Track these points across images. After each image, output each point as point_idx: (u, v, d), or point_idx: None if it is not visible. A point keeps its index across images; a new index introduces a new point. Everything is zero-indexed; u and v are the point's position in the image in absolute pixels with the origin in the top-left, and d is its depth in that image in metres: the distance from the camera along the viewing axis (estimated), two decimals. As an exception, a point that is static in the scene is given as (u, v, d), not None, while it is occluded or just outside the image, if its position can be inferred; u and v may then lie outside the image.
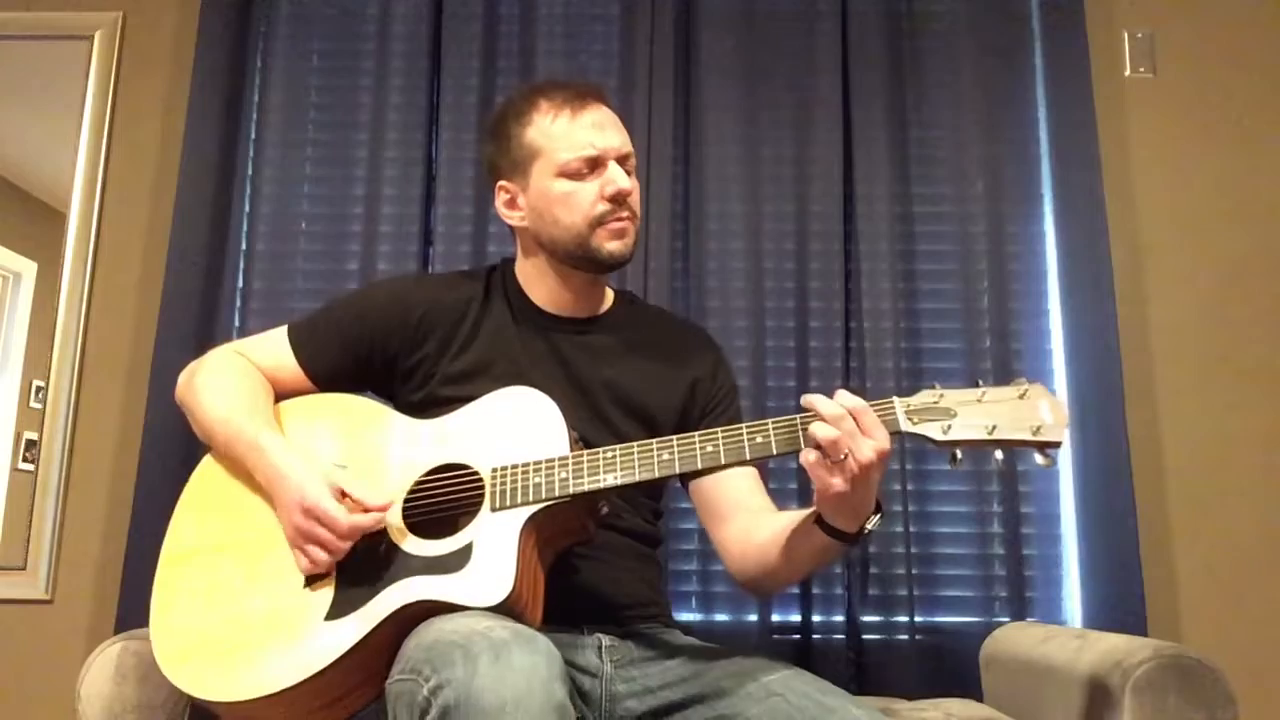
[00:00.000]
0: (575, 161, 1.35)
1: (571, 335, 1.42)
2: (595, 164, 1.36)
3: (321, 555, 1.17)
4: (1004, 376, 2.09)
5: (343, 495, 1.18)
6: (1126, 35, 2.28)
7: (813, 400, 1.10)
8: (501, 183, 1.43)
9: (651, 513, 1.43)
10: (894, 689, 1.90)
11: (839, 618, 2.02)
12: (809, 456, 1.09)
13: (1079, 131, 2.15)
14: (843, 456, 1.07)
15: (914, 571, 2.01)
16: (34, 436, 2.14)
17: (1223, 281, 2.18)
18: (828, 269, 2.12)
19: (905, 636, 1.98)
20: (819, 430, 1.08)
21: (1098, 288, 2.08)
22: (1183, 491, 2.10)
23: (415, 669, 0.98)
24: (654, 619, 1.37)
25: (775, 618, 2.02)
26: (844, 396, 1.10)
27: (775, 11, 2.24)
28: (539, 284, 1.43)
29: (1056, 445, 1.08)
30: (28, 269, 2.22)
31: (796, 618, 2.02)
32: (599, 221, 1.35)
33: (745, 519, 1.37)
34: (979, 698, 1.79)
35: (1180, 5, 2.29)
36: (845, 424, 1.08)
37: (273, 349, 1.41)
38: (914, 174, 2.19)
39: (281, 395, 1.38)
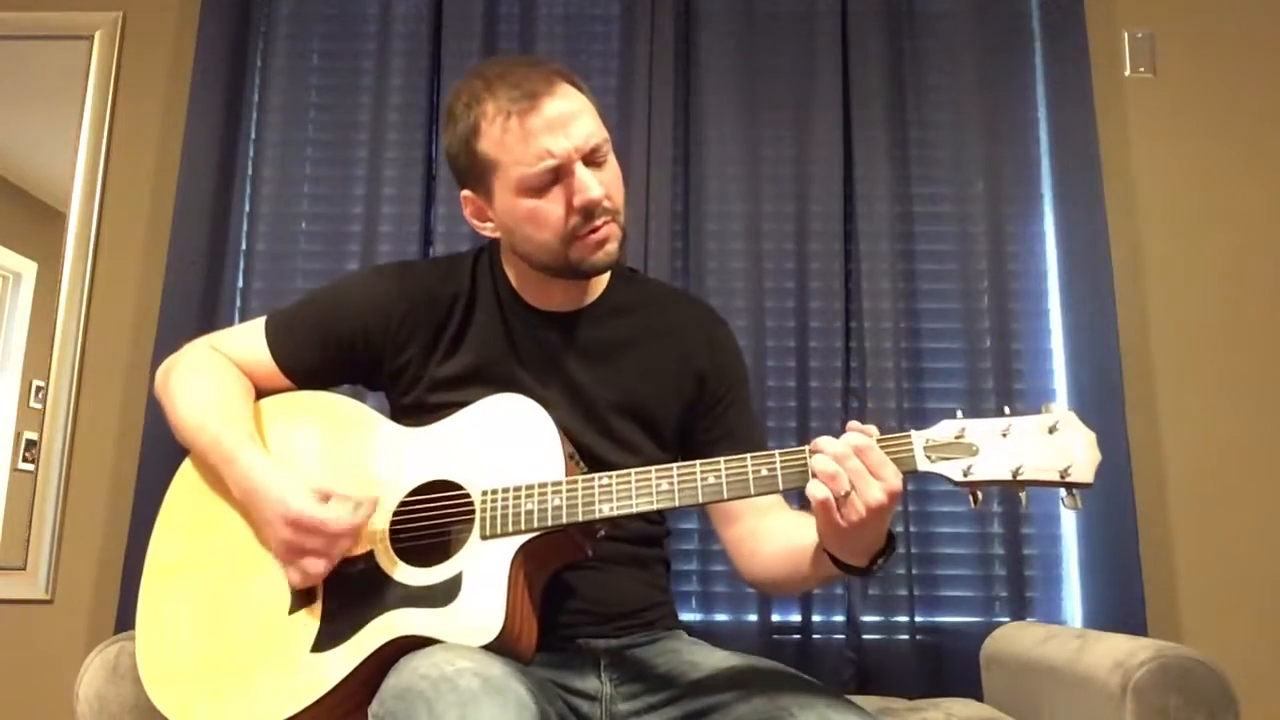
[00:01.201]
0: (534, 176, 1.19)
1: (564, 332, 1.32)
2: (559, 172, 1.20)
3: (316, 565, 1.11)
4: (1004, 377, 2.10)
5: (327, 498, 1.12)
6: (1126, 35, 2.28)
7: (819, 440, 1.03)
8: (465, 192, 1.29)
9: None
10: (894, 689, 1.90)
11: (839, 618, 2.02)
12: (815, 494, 1.01)
13: (1079, 131, 2.15)
14: (844, 493, 1.00)
15: (914, 571, 2.02)
16: (34, 436, 2.14)
17: (1223, 281, 2.18)
18: (828, 269, 2.12)
19: (905, 636, 1.98)
20: (817, 464, 1.02)
21: (1098, 288, 2.08)
22: (1183, 492, 2.10)
23: (383, 717, 0.96)
24: (655, 624, 1.32)
25: (775, 618, 2.02)
26: (852, 435, 1.02)
27: (775, 11, 2.24)
28: (525, 280, 1.33)
29: (1086, 486, 1.00)
30: (28, 269, 2.22)
31: (796, 618, 2.02)
32: (573, 236, 1.22)
33: (753, 519, 1.32)
34: (979, 698, 1.79)
35: (1180, 5, 2.29)
36: (849, 463, 1.00)
37: (249, 343, 1.34)
38: (914, 174, 2.19)
39: (260, 390, 1.32)
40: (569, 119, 1.21)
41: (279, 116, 2.23)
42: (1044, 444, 1.00)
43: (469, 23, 2.23)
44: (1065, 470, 0.99)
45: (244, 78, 2.23)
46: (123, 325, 2.18)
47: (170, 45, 2.29)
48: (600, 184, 1.21)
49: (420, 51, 2.22)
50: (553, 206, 1.21)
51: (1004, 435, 1.02)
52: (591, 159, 1.22)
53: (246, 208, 2.19)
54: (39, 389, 2.16)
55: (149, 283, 2.16)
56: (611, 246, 1.24)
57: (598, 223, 1.22)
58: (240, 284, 2.17)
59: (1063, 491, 1.01)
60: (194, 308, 2.09)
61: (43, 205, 2.23)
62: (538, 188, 1.21)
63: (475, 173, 1.26)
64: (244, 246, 2.18)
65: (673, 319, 1.40)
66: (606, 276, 1.37)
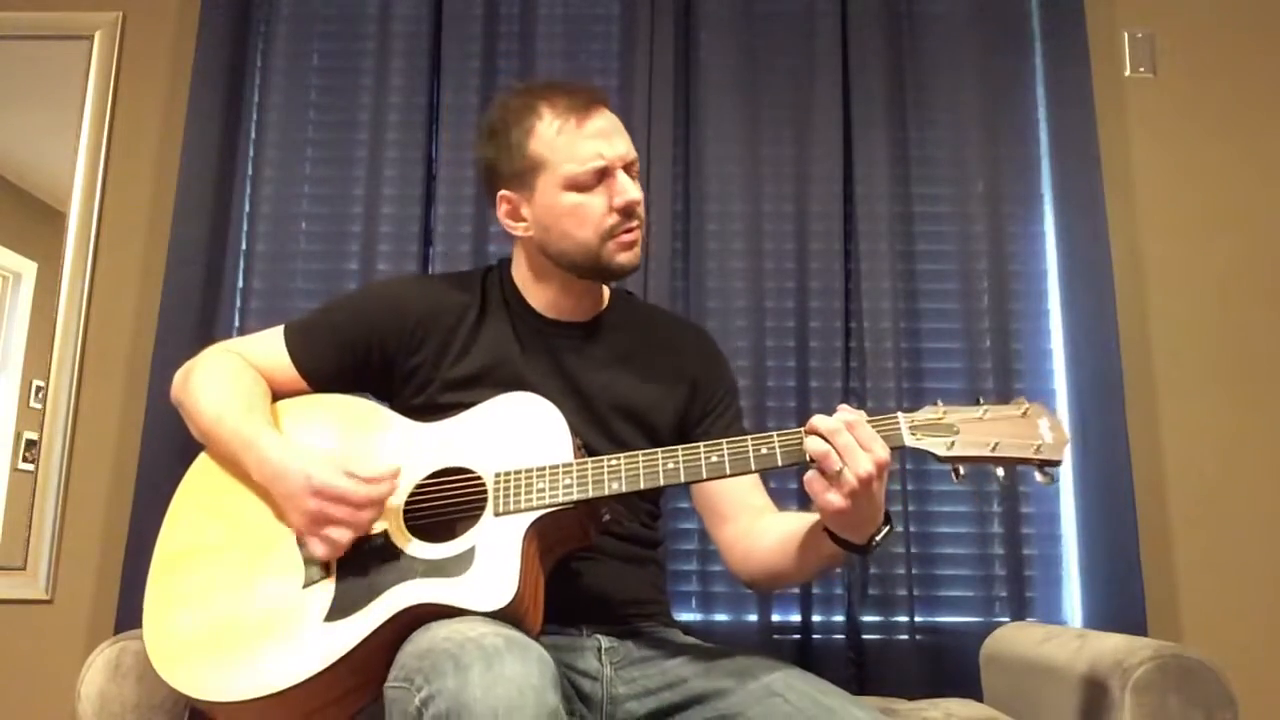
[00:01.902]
0: (584, 174, 1.31)
1: (570, 340, 1.40)
2: (603, 174, 1.32)
3: (342, 534, 1.14)
4: (1005, 377, 2.10)
5: (349, 475, 1.16)
6: (1126, 35, 2.28)
7: (813, 420, 1.10)
8: (503, 192, 1.38)
9: (649, 515, 1.43)
10: (894, 689, 1.90)
11: (839, 618, 2.02)
12: (808, 473, 1.10)
13: (1079, 131, 2.15)
14: (837, 469, 1.07)
15: (914, 571, 2.01)
16: (34, 436, 2.14)
17: (1223, 281, 2.18)
18: (828, 269, 2.12)
19: (905, 636, 1.98)
20: (811, 444, 1.09)
21: (1098, 288, 2.08)
22: (1183, 491, 2.10)
23: (408, 677, 0.98)
24: (652, 618, 1.36)
25: (775, 618, 2.02)
26: (842, 411, 1.11)
27: (775, 11, 2.24)
28: (538, 289, 1.41)
29: (1056, 464, 1.10)
30: (28, 269, 2.22)
31: (796, 618, 2.02)
32: (609, 234, 1.33)
33: (747, 520, 1.37)
34: (979, 698, 1.79)
35: (1180, 5, 2.30)
36: (840, 438, 1.08)
37: (268, 349, 1.39)
38: (914, 174, 2.19)
39: (277, 395, 1.36)
40: (613, 132, 1.35)
41: (279, 116, 2.23)
42: (1017, 426, 1.11)
43: (469, 23, 2.23)
44: (1038, 448, 1.10)
45: (244, 78, 2.23)
46: (123, 325, 2.18)
47: (170, 45, 2.29)
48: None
49: (420, 51, 2.22)
50: (596, 203, 1.33)
51: (981, 419, 1.12)
52: (628, 172, 1.35)
53: (246, 208, 2.19)
54: (39, 389, 2.16)
55: (149, 283, 2.16)
56: (638, 250, 1.36)
57: (632, 224, 1.34)
58: (240, 284, 2.17)
59: (1037, 473, 1.11)
60: (194, 308, 2.09)
61: (43, 205, 2.23)
62: (584, 185, 1.32)
63: (521, 173, 1.35)
64: (244, 246, 2.18)
65: (669, 334, 1.50)
66: (608, 295, 1.47)
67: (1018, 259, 2.17)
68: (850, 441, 1.08)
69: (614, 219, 1.33)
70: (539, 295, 1.42)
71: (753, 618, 2.02)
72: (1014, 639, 1.74)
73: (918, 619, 2.00)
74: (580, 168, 1.31)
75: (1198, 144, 2.24)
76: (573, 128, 1.32)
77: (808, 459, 1.10)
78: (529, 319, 1.41)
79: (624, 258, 1.34)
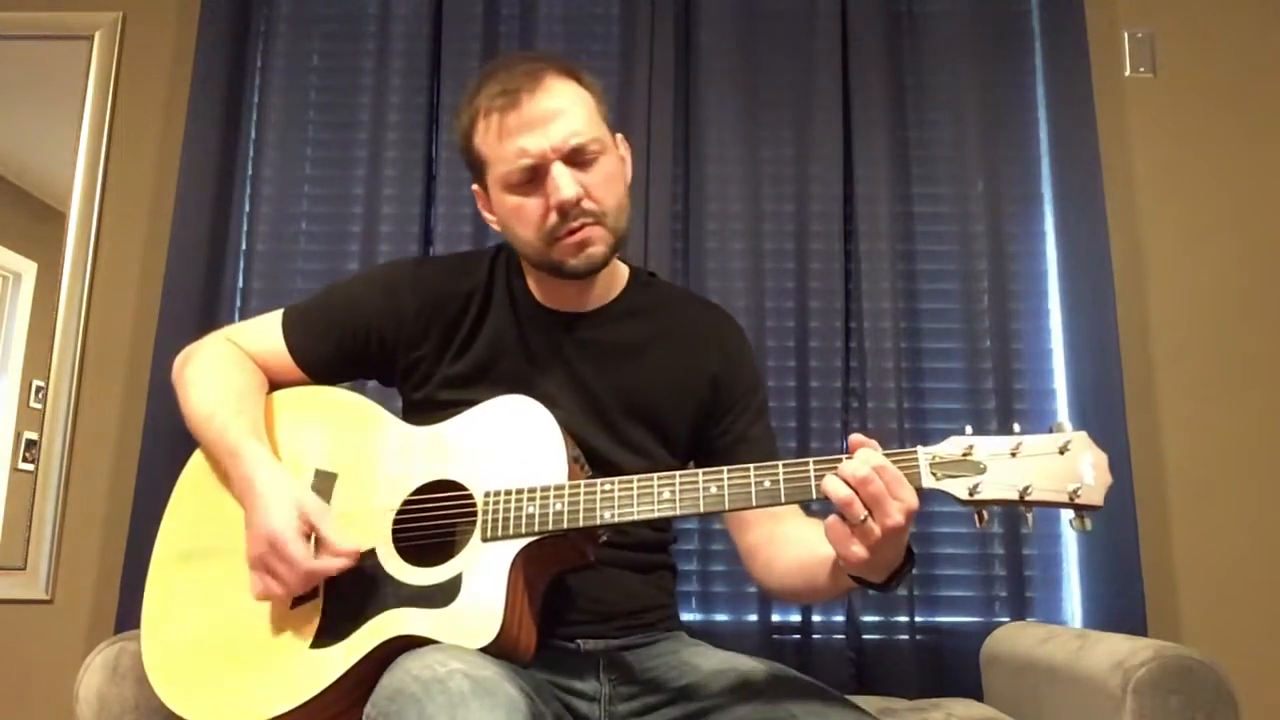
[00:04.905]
0: (514, 174, 1.21)
1: (577, 333, 1.32)
2: (536, 171, 1.21)
3: (275, 588, 1.12)
4: (1005, 377, 2.09)
5: (310, 530, 1.12)
6: (1126, 35, 2.28)
7: (841, 466, 1.00)
8: (475, 186, 1.33)
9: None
10: (894, 689, 1.90)
11: (839, 618, 2.02)
12: (830, 519, 1.01)
13: (1079, 131, 2.15)
14: (861, 519, 0.97)
15: (914, 571, 2.01)
16: (34, 436, 2.14)
17: (1223, 281, 2.18)
18: (828, 269, 2.12)
19: (905, 636, 1.98)
20: (832, 488, 0.98)
21: (1098, 288, 2.08)
22: (1183, 491, 2.10)
23: (374, 719, 0.97)
24: (654, 626, 1.31)
25: (775, 618, 2.02)
26: (863, 451, 1.00)
27: (775, 11, 2.24)
28: (540, 279, 1.33)
29: (1095, 509, 0.97)
30: (28, 269, 2.22)
31: (796, 618, 2.02)
32: (552, 236, 1.22)
33: (769, 525, 1.30)
34: (979, 698, 1.79)
35: (1180, 5, 2.29)
36: (870, 487, 0.97)
37: (265, 336, 1.35)
38: (914, 174, 2.20)
39: (275, 383, 1.33)
40: (549, 118, 1.21)
41: (279, 116, 2.23)
42: (1054, 464, 0.98)
43: (469, 23, 2.23)
44: (1074, 492, 0.97)
45: (244, 78, 2.23)
46: (123, 325, 2.18)
47: (170, 45, 2.29)
48: (579, 185, 1.21)
49: (420, 51, 2.22)
50: (533, 205, 1.22)
51: (1013, 454, 0.99)
52: (575, 159, 1.22)
53: (246, 208, 2.19)
54: (39, 389, 2.16)
55: (149, 283, 2.16)
56: (595, 250, 1.23)
57: (574, 224, 1.21)
58: (240, 284, 2.17)
59: (1070, 513, 0.98)
60: (194, 308, 2.08)
61: (43, 205, 2.23)
62: (517, 185, 1.22)
63: (475, 168, 1.30)
64: (244, 246, 2.18)
65: (687, 323, 1.38)
66: (624, 279, 1.38)
67: (1018, 259, 2.17)
68: (880, 491, 0.97)
69: (554, 219, 1.21)
70: (542, 284, 1.33)
71: (753, 618, 2.02)
72: (1014, 639, 1.74)
73: (918, 619, 2.00)
74: (509, 168, 1.21)
75: (1197, 143, 2.24)
76: (497, 124, 1.22)
77: (819, 500, 1.01)
78: (533, 310, 1.33)
79: (575, 261, 1.23)
